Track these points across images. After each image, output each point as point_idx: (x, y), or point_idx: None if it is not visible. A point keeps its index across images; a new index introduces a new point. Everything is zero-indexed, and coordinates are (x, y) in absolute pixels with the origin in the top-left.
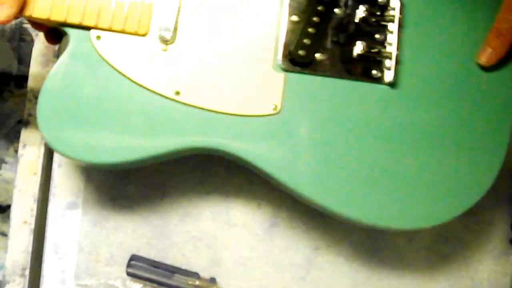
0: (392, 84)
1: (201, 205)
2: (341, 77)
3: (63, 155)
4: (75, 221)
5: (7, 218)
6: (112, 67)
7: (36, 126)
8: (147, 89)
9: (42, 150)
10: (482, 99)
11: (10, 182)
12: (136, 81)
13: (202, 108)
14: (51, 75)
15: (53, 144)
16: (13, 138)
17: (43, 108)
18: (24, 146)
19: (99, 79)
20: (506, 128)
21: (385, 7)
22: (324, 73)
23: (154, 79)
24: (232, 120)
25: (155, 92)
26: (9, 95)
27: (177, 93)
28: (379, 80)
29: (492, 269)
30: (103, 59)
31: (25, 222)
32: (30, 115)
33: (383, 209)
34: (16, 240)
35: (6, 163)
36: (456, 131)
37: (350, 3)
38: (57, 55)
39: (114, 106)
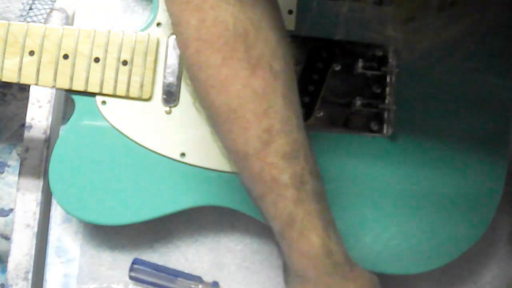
0: (391, 137)
1: (203, 208)
2: (341, 132)
3: (76, 217)
4: (78, 225)
5: (10, 222)
6: (118, 131)
7: (38, 130)
8: (154, 151)
9: (44, 154)
10: (479, 149)
11: (13, 186)
12: (143, 144)
13: (207, 168)
14: (60, 141)
15: (66, 208)
16: (16, 141)
17: (54, 174)
18: (27, 149)
19: (106, 143)
20: (502, 175)
21: (382, 60)
22: (324, 129)
23: (160, 141)
24: (236, 179)
25: (161, 155)
26: (12, 99)
27: (183, 154)
28: (378, 133)
29: (496, 273)
30: (109, 123)
31: (28, 226)
32: (33, 118)
33: (382, 256)
34: (19, 243)
35: (9, 166)
36: (454, 183)
37: (347, 58)
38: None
39: (122, 169)
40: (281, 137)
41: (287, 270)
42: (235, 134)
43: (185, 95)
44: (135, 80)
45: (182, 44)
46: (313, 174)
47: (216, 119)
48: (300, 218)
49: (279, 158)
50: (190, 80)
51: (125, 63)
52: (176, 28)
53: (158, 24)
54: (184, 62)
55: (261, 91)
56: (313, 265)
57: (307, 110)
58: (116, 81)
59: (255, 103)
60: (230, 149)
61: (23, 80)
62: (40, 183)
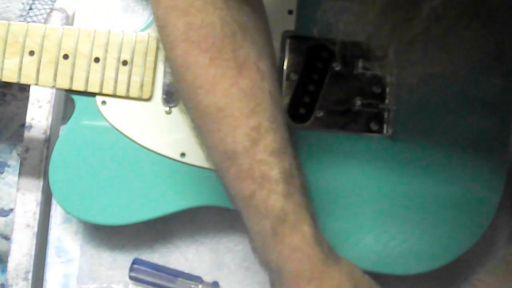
0: (391, 136)
1: (203, 208)
2: (341, 131)
3: (76, 217)
4: (78, 225)
5: (10, 222)
6: (118, 131)
7: (38, 130)
8: (154, 152)
9: (44, 153)
10: (479, 149)
11: (13, 186)
12: (143, 145)
13: (207, 168)
14: (60, 141)
15: (66, 208)
16: (16, 141)
17: (54, 174)
18: (27, 149)
19: (106, 144)
20: (502, 175)
21: (382, 60)
22: (324, 129)
23: (160, 142)
24: None
25: (161, 155)
26: (12, 99)
27: (182, 154)
28: (378, 133)
29: None
30: (109, 123)
31: (28, 226)
32: (33, 118)
33: (382, 256)
34: (19, 243)
35: (9, 166)
36: (454, 183)
37: (347, 57)
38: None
39: (122, 169)
40: (270, 134)
41: (272, 276)
42: (224, 133)
43: None
44: (135, 80)
45: (168, 46)
46: (299, 169)
47: (204, 119)
48: (291, 211)
49: (268, 154)
50: (176, 82)
51: (125, 63)
52: (162, 30)
53: None
54: (170, 64)
55: (248, 90)
56: (307, 257)
57: (307, 110)
58: (116, 81)
59: (243, 102)
60: (217, 149)
61: (23, 80)
62: (40, 183)
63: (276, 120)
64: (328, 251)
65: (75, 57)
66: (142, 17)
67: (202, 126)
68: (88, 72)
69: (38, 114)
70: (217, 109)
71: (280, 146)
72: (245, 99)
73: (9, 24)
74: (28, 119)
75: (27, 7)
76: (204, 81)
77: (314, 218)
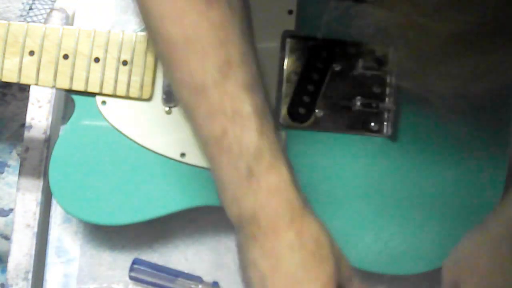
0: (391, 137)
1: (203, 208)
2: (341, 131)
3: (76, 217)
4: (78, 225)
5: (10, 222)
6: (118, 131)
7: (38, 130)
8: (154, 151)
9: (44, 154)
10: (479, 149)
11: (13, 186)
12: (143, 144)
13: (207, 168)
14: (60, 141)
15: (66, 208)
16: (16, 141)
17: (54, 174)
18: (27, 149)
19: (106, 144)
20: (502, 175)
21: (382, 60)
22: (324, 128)
23: (160, 142)
24: None
25: (161, 155)
26: (12, 99)
27: (183, 154)
28: (378, 133)
29: None
30: (109, 123)
31: (28, 226)
32: (33, 118)
33: (382, 256)
34: (19, 243)
35: (9, 166)
36: (454, 183)
37: (347, 58)
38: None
39: (122, 169)
40: (241, 69)
41: (244, 232)
42: (193, 66)
43: None
44: (135, 80)
45: None
46: (270, 108)
47: (172, 51)
48: (267, 148)
49: (240, 89)
50: (143, 17)
51: (125, 63)
52: None
53: None
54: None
55: (218, 23)
56: (286, 200)
57: (307, 110)
58: (116, 81)
59: (212, 34)
60: (186, 84)
61: (23, 80)
62: (40, 183)
63: (248, 56)
64: (306, 199)
65: (75, 57)
66: None
67: (170, 59)
68: (88, 72)
69: (38, 114)
70: (186, 39)
71: (251, 82)
72: (214, 31)
73: (9, 24)
74: (28, 119)
75: (27, 7)
76: (171, 13)
77: (291, 164)
